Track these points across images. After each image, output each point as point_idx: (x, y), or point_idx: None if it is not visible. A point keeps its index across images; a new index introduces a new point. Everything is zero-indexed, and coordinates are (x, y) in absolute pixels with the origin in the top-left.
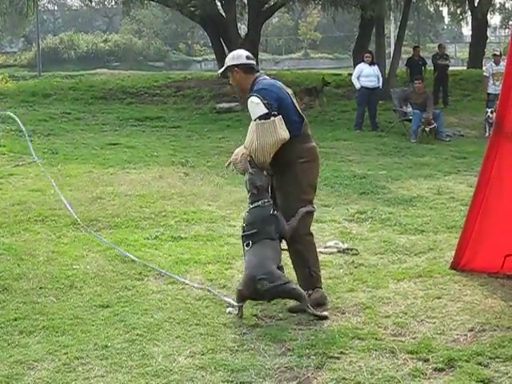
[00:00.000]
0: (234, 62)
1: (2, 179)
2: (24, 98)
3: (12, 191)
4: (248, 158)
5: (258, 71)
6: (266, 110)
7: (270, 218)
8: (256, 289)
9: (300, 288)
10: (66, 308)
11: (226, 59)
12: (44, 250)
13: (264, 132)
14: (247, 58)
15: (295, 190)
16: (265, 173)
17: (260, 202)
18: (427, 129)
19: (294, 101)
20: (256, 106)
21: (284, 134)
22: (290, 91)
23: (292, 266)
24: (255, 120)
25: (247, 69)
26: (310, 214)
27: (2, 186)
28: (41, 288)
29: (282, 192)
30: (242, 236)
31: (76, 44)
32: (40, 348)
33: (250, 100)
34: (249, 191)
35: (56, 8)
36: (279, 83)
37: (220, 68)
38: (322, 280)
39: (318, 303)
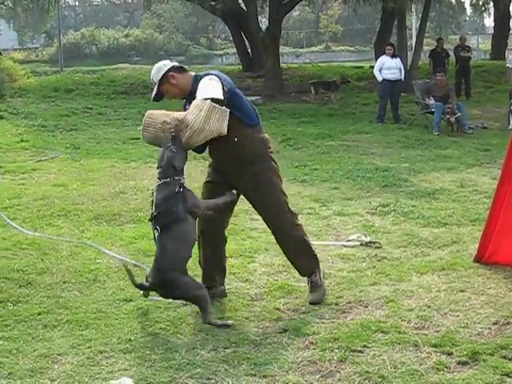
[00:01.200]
0: (165, 69)
1: (25, 174)
2: (46, 94)
3: (35, 186)
4: (172, 132)
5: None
6: (222, 97)
7: (176, 195)
8: (157, 284)
9: (200, 295)
10: (89, 302)
11: (153, 78)
12: (67, 245)
13: (214, 118)
14: (170, 61)
15: (277, 181)
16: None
17: (168, 179)
18: (452, 119)
19: None
20: (215, 85)
21: (225, 129)
22: None
23: (288, 256)
24: (207, 99)
25: (179, 68)
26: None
27: (25, 181)
28: (64, 282)
29: (265, 186)
30: (150, 219)
31: (97, 39)
32: (64, 342)
33: (207, 77)
34: (160, 167)
35: (77, 3)
36: None
37: (153, 94)
38: (345, 274)
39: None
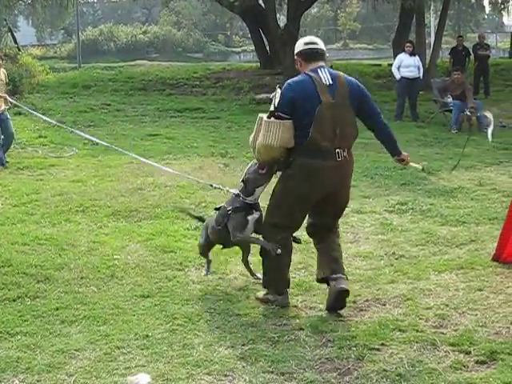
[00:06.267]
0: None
1: (43, 170)
2: (64, 90)
3: (53, 182)
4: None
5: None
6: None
7: (226, 212)
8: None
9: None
10: (106, 298)
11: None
12: (85, 241)
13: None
14: (306, 44)
15: None
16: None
17: (237, 193)
18: (473, 120)
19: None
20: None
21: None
22: None
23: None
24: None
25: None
26: None
27: (43, 176)
28: (82, 278)
29: None
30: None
31: (115, 36)
32: (81, 337)
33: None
34: (242, 180)
35: (95, 0)
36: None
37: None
38: (363, 272)
39: None
